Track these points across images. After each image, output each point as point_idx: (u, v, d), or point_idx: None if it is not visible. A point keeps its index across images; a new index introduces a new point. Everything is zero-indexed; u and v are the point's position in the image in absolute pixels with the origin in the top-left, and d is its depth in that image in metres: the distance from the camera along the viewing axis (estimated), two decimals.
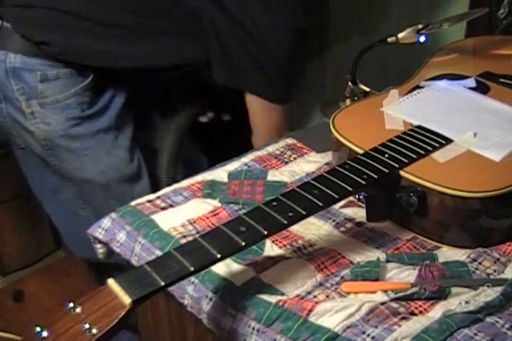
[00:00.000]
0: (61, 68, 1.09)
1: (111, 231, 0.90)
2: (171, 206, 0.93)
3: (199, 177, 0.99)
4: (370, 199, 0.82)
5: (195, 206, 0.92)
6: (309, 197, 0.74)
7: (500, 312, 0.71)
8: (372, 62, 1.13)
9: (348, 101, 1.13)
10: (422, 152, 0.84)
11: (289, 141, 1.09)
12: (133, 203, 0.94)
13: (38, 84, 1.07)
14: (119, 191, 1.19)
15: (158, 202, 0.94)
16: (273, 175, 0.98)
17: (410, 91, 1.02)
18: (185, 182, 0.98)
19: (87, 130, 1.13)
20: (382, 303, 0.72)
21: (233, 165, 1.01)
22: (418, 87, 1.04)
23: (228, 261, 0.79)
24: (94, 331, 0.58)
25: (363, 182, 0.78)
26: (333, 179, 0.78)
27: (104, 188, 1.17)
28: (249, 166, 1.01)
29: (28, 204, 1.87)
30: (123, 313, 0.59)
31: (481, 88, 1.03)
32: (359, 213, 0.88)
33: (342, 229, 0.86)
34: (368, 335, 0.68)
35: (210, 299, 0.76)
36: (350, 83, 1.12)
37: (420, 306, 0.73)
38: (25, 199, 1.86)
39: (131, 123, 1.21)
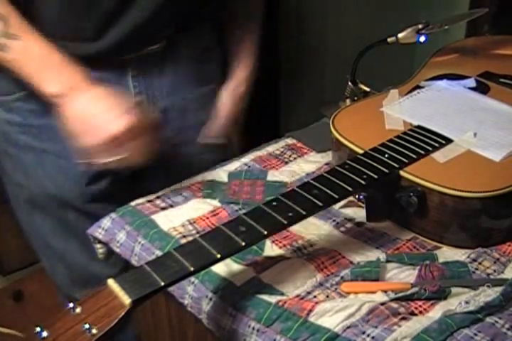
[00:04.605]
0: None
1: (111, 231, 0.90)
2: (171, 206, 0.93)
3: (199, 177, 0.99)
4: (370, 199, 0.82)
5: (195, 206, 0.92)
6: (309, 197, 0.74)
7: (500, 312, 0.71)
8: (372, 62, 1.13)
9: (348, 101, 1.13)
10: (422, 152, 0.84)
11: (289, 141, 1.09)
12: (133, 203, 0.94)
13: None
14: None
15: (158, 202, 0.94)
16: (273, 175, 0.98)
17: (410, 91, 1.02)
18: (185, 182, 0.98)
19: None
20: (382, 303, 0.72)
21: (233, 165, 1.01)
22: (418, 87, 1.04)
23: (228, 261, 0.78)
24: (94, 331, 0.58)
25: (363, 182, 0.78)
26: (333, 179, 0.78)
27: None
28: (249, 166, 1.01)
29: None
30: (123, 313, 0.59)
31: (481, 88, 1.03)
32: (359, 213, 0.88)
33: (342, 229, 0.86)
34: (368, 335, 0.68)
35: (210, 299, 0.76)
36: (350, 83, 1.12)
37: (420, 306, 0.73)
38: None
39: None
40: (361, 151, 0.85)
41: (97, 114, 0.86)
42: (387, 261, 0.79)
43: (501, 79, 1.05)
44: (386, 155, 0.83)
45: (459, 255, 0.81)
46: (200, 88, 1.12)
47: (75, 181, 1.06)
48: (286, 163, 1.02)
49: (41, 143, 1.03)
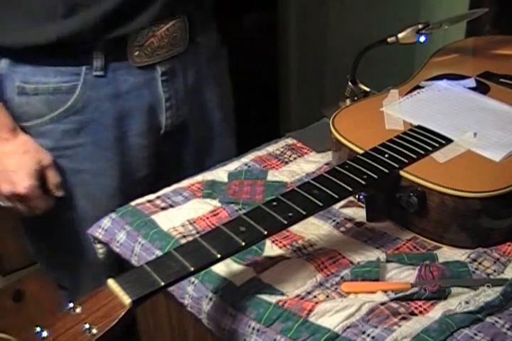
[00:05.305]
0: None
1: (111, 231, 0.90)
2: (171, 206, 0.93)
3: (199, 177, 0.99)
4: (370, 199, 0.82)
5: (195, 206, 0.92)
6: (309, 197, 0.74)
7: (500, 312, 0.71)
8: (372, 62, 1.13)
9: (348, 101, 1.13)
10: (422, 152, 0.84)
11: (289, 141, 1.09)
12: (133, 203, 0.94)
13: None
14: None
15: (158, 202, 0.94)
16: (273, 175, 0.98)
17: (410, 91, 1.02)
18: (185, 182, 0.98)
19: None
20: (382, 303, 0.72)
21: (233, 165, 1.01)
22: (418, 87, 1.04)
23: (228, 261, 0.78)
24: (94, 331, 0.58)
25: (363, 182, 0.78)
26: (333, 179, 0.78)
27: None
28: (249, 166, 1.01)
29: None
30: (123, 313, 0.60)
31: (481, 88, 1.02)
32: (359, 213, 0.88)
33: (342, 229, 0.86)
34: (368, 335, 0.68)
35: (210, 299, 0.76)
36: (350, 83, 1.12)
37: (420, 306, 0.73)
38: None
39: None
40: (361, 151, 0.85)
41: (3, 170, 0.92)
42: (387, 261, 0.79)
43: (501, 79, 1.05)
44: (386, 155, 0.83)
45: (459, 255, 0.81)
46: (216, 87, 1.12)
47: (112, 198, 1.03)
48: (286, 163, 1.02)
49: (77, 163, 1.01)
